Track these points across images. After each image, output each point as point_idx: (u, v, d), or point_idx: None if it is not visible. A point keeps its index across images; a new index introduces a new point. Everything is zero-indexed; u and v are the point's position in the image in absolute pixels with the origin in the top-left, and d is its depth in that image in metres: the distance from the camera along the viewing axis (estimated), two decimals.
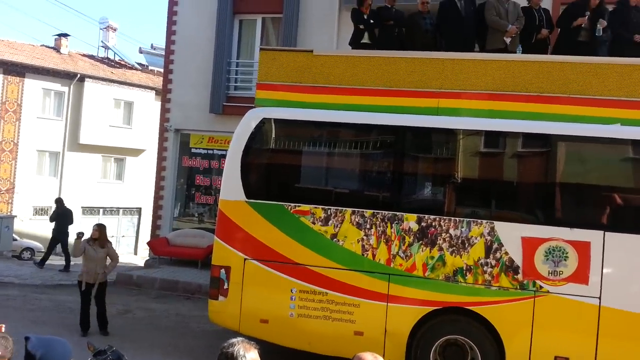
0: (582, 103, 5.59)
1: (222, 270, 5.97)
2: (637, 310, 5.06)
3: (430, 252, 5.55)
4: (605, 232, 5.19)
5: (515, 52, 7.28)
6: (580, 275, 5.20)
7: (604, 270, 5.16)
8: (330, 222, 5.80)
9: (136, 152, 24.80)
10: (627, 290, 5.16)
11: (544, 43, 7.63)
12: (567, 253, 5.23)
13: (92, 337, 6.63)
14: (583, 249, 5.21)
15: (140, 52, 27.99)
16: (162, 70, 14.82)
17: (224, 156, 11.27)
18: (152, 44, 28.12)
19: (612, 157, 5.60)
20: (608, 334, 5.09)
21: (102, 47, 27.20)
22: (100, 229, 7.39)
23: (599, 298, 5.14)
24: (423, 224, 5.60)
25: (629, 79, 5.54)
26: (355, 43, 7.99)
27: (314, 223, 5.83)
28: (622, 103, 5.50)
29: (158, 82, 22.70)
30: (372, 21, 7.92)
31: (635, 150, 5.48)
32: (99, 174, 24.14)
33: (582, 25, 7.31)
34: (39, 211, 22.61)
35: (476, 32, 7.56)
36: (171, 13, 12.81)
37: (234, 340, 2.28)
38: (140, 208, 24.72)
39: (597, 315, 5.12)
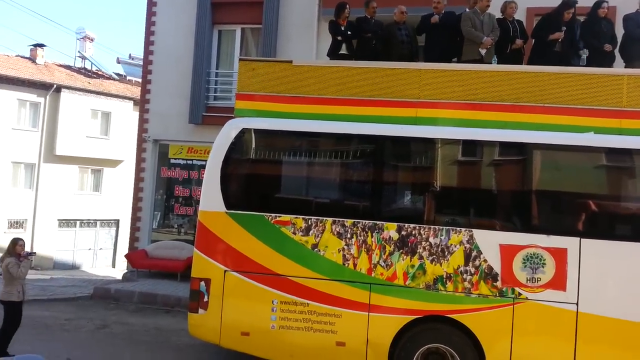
0: (557, 112, 5.71)
1: (202, 283, 5.89)
2: (613, 315, 5.15)
3: (410, 260, 5.57)
4: (582, 239, 5.28)
5: (490, 63, 7.42)
6: (558, 282, 5.27)
7: (581, 277, 5.24)
8: (311, 232, 5.78)
9: (114, 163, 24.45)
10: (604, 296, 5.25)
11: (519, 53, 7.79)
12: (544, 260, 5.31)
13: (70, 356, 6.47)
14: (560, 255, 5.29)
15: (118, 62, 27.75)
16: (140, 80, 14.68)
17: (203, 167, 11.16)
18: (130, 54, 27.91)
19: (586, 164, 5.71)
20: (586, 340, 5.17)
21: (79, 57, 26.85)
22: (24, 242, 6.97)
23: (577, 304, 5.22)
24: (403, 232, 5.62)
25: (602, 88, 5.68)
26: (333, 54, 8.06)
27: (294, 233, 5.81)
28: (596, 112, 5.63)
29: (136, 92, 22.54)
30: (349, 33, 7.99)
31: (608, 158, 5.60)
32: (76, 186, 23.71)
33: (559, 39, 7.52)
34: (14, 224, 22.09)
35: (454, 44, 7.70)
36: (149, 23, 12.74)
37: None
38: (118, 220, 24.33)
39: (575, 321, 5.20)
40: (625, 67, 7.47)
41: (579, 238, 5.29)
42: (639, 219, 5.51)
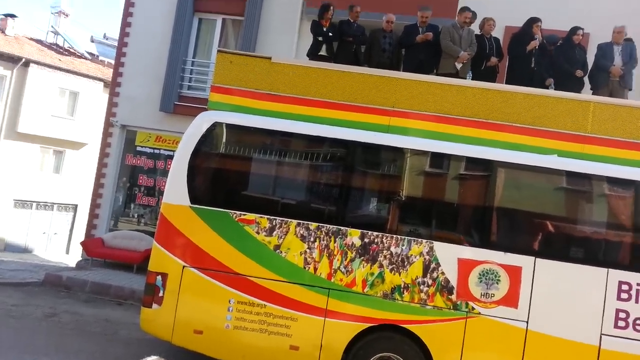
0: (524, 132, 5.81)
1: (159, 277, 5.76)
2: (560, 335, 5.28)
3: (370, 268, 5.59)
4: (537, 258, 5.41)
5: (465, 78, 7.54)
6: (511, 299, 5.38)
7: (533, 295, 5.36)
8: (275, 232, 5.73)
9: (77, 145, 23.75)
10: (553, 315, 5.37)
11: (493, 71, 7.94)
12: (499, 276, 5.41)
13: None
14: (514, 273, 5.40)
15: (92, 41, 27.00)
16: (112, 61, 14.31)
17: (170, 157, 11.00)
18: (104, 34, 27.24)
19: (547, 186, 5.85)
20: (532, 358, 5.28)
21: (52, 32, 26.00)
22: None
23: (527, 322, 5.34)
24: (366, 240, 5.63)
25: (569, 112, 5.82)
26: (313, 54, 8.03)
27: (258, 233, 5.74)
28: (561, 135, 5.77)
29: (107, 73, 21.95)
30: (330, 34, 7.98)
31: (568, 181, 5.75)
32: (36, 166, 22.91)
33: (533, 52, 7.69)
34: None
35: (434, 57, 7.80)
36: (128, 4, 12.44)
37: None
38: (76, 205, 23.63)
39: (523, 338, 5.31)
40: (592, 94, 7.71)
41: (534, 257, 5.41)
42: (593, 243, 5.69)
